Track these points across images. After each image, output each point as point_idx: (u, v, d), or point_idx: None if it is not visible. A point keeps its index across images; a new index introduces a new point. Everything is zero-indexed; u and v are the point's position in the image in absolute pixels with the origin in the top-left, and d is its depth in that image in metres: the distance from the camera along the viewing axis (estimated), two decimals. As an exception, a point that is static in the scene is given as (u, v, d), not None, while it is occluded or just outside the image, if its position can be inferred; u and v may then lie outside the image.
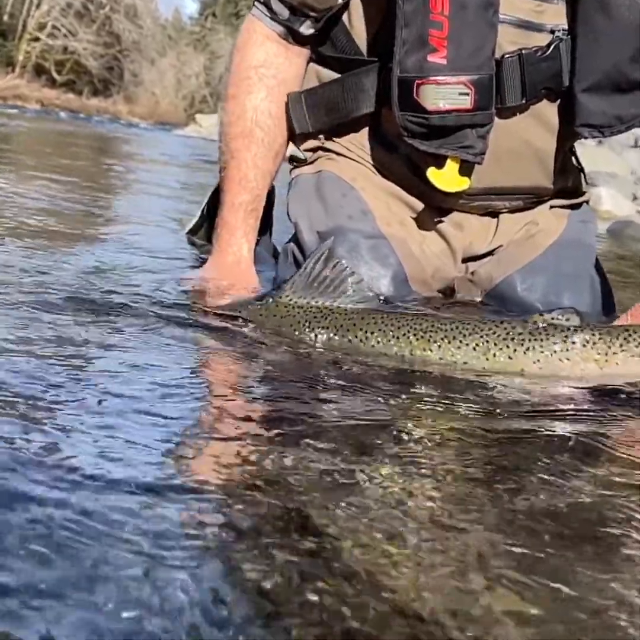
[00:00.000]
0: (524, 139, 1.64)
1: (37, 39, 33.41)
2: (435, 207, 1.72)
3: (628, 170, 9.17)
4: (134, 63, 37.80)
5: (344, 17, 1.68)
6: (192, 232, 2.20)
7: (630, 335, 1.24)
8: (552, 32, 1.58)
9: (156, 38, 39.68)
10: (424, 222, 1.73)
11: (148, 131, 20.32)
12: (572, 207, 1.85)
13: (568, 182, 1.82)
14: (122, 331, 1.27)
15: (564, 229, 1.80)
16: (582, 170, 1.90)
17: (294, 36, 1.68)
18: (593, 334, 1.25)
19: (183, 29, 43.30)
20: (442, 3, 1.49)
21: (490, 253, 1.78)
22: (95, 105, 32.12)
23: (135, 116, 31.35)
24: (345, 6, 1.67)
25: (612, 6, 1.54)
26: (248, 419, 1.00)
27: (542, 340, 1.24)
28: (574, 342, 1.24)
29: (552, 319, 1.26)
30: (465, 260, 1.78)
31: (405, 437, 0.97)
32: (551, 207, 1.81)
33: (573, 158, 1.86)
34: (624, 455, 0.98)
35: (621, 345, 1.23)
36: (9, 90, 27.12)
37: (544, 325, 1.26)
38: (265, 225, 1.87)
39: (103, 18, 35.19)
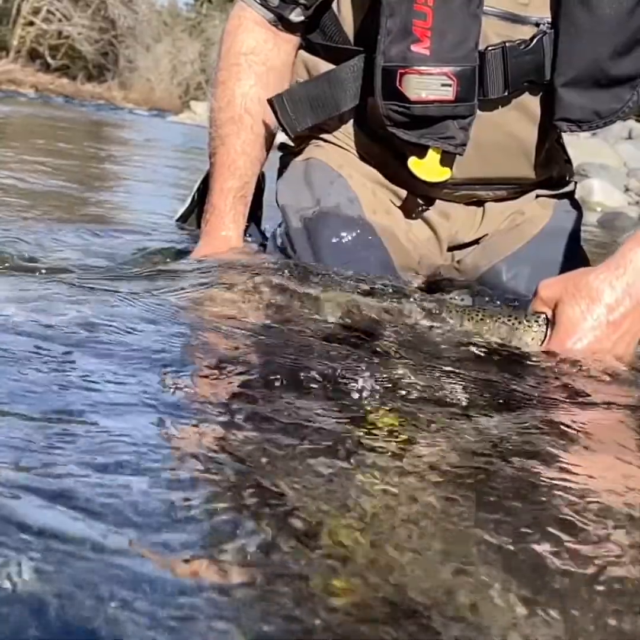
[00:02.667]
0: (507, 131, 1.65)
1: (31, 24, 33.21)
2: (421, 196, 1.74)
3: (620, 162, 9.20)
4: (129, 49, 37.60)
5: (333, 5, 1.70)
6: (182, 219, 2.22)
7: (495, 320, 1.39)
8: (537, 25, 1.59)
9: (151, 24, 39.46)
10: (409, 210, 1.74)
11: (143, 117, 20.27)
12: (559, 197, 1.86)
13: (553, 173, 1.83)
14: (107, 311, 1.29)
15: (549, 219, 1.81)
16: (569, 160, 1.92)
17: (283, 23, 1.70)
18: (465, 315, 1.40)
19: (179, 15, 43.06)
20: None
21: (476, 242, 1.80)
22: (90, 91, 31.96)
23: (130, 102, 31.20)
24: (334, -6, 1.68)
25: (594, 1, 1.55)
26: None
27: (433, 314, 1.40)
28: (449, 320, 1.40)
29: (450, 298, 1.43)
30: (451, 248, 1.80)
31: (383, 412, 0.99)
32: (537, 196, 1.83)
33: (560, 149, 1.88)
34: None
35: (488, 328, 1.39)
36: (3, 75, 26.97)
37: (440, 303, 1.42)
38: (254, 212, 1.89)
39: (98, 3, 34.98)
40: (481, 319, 1.40)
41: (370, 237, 1.68)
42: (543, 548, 0.71)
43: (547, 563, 0.69)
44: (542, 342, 1.37)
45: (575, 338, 1.33)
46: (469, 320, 1.40)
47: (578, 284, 1.35)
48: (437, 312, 1.41)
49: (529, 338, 1.38)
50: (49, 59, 33.55)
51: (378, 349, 1.26)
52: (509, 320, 1.40)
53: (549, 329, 1.38)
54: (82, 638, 0.54)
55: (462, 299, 1.45)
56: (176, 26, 41.42)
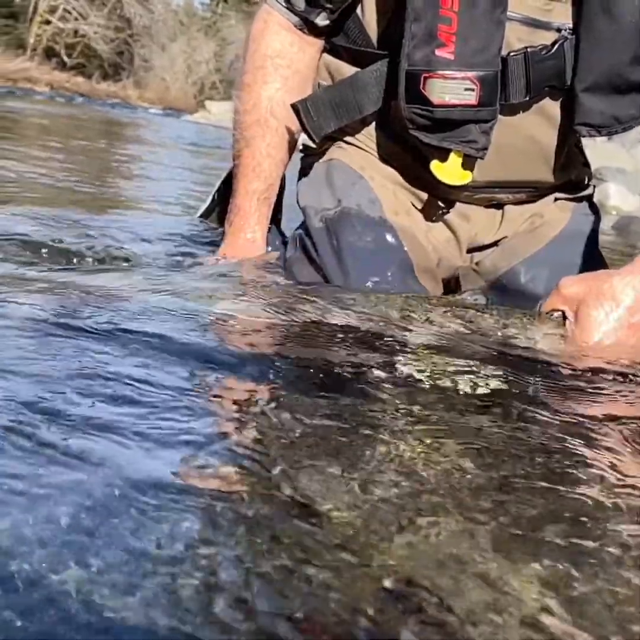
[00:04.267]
0: (528, 135, 1.67)
1: (48, 22, 33.36)
2: (441, 198, 1.76)
3: (636, 166, 9.18)
4: (144, 48, 37.71)
5: (358, 9, 1.72)
6: (204, 216, 2.25)
7: (514, 317, 1.43)
8: (559, 30, 1.61)
9: (167, 23, 39.54)
10: (430, 212, 1.77)
11: (158, 117, 20.32)
12: (577, 200, 1.88)
13: (572, 176, 1.85)
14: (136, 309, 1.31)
15: (568, 222, 1.83)
16: (587, 164, 1.94)
17: (309, 27, 1.72)
18: (485, 313, 1.44)
19: (194, 15, 43.10)
20: None
21: (495, 244, 1.81)
22: (105, 90, 32.09)
23: (145, 101, 31.31)
24: (359, -2, 1.71)
25: (614, 8, 1.57)
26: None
27: (452, 313, 1.44)
28: (469, 318, 1.43)
29: (463, 298, 1.49)
30: (470, 250, 1.82)
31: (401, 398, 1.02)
32: (556, 199, 1.84)
33: (579, 152, 1.89)
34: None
35: (507, 326, 1.42)
36: (19, 73, 27.12)
37: (458, 302, 1.49)
38: (275, 213, 1.91)
39: (114, 2, 35.10)
40: (500, 317, 1.42)
41: (391, 238, 1.70)
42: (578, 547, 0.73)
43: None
44: (562, 340, 1.39)
45: (599, 338, 1.37)
46: (489, 317, 1.42)
47: (602, 285, 1.38)
48: (456, 310, 1.44)
49: (549, 336, 1.40)
50: (65, 58, 33.68)
51: (398, 348, 1.28)
52: (528, 317, 1.42)
53: (568, 327, 1.40)
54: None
55: (475, 299, 1.47)
56: (192, 26, 41.47)
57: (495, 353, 1.32)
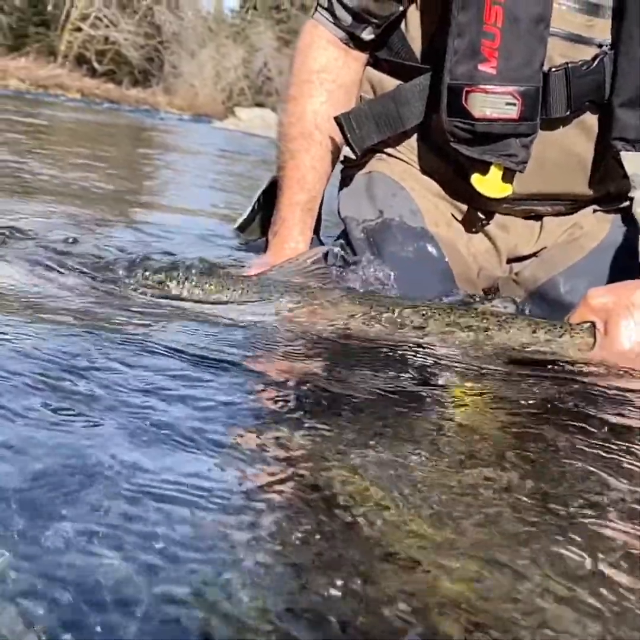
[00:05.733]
0: (567, 149, 1.70)
1: (79, 29, 33.68)
2: (481, 210, 1.78)
3: (667, 174, 9.09)
4: (173, 54, 37.91)
5: (402, 24, 1.75)
6: (241, 228, 2.27)
7: (543, 327, 1.44)
8: (599, 46, 1.63)
9: (197, 30, 39.75)
10: (470, 223, 1.79)
11: (187, 123, 20.46)
12: (616, 211, 1.89)
13: (611, 188, 1.86)
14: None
15: (607, 233, 1.84)
16: (626, 176, 1.94)
17: (354, 41, 1.76)
18: (516, 323, 1.45)
19: (223, 21, 43.28)
20: (496, 15, 1.55)
21: (534, 254, 1.83)
22: (135, 96, 32.31)
23: (174, 108, 31.49)
24: (404, 13, 1.74)
25: None
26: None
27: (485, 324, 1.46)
28: (500, 328, 1.44)
29: (492, 306, 1.50)
30: (510, 261, 1.84)
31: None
32: (595, 211, 1.86)
33: (618, 165, 1.90)
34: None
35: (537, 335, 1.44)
36: (50, 79, 27.43)
37: (482, 310, 1.48)
38: (315, 223, 1.94)
39: (145, 9, 35.38)
40: (532, 326, 1.44)
41: (432, 249, 1.73)
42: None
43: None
44: (591, 350, 1.41)
45: (628, 348, 1.39)
46: (520, 327, 1.44)
47: (631, 296, 1.40)
48: (488, 320, 1.46)
49: (577, 345, 1.41)
50: (96, 64, 33.96)
51: (432, 358, 1.31)
52: (558, 327, 1.44)
53: (598, 338, 1.42)
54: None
55: (505, 307, 1.49)
56: (221, 32, 41.62)
57: (526, 363, 1.34)
